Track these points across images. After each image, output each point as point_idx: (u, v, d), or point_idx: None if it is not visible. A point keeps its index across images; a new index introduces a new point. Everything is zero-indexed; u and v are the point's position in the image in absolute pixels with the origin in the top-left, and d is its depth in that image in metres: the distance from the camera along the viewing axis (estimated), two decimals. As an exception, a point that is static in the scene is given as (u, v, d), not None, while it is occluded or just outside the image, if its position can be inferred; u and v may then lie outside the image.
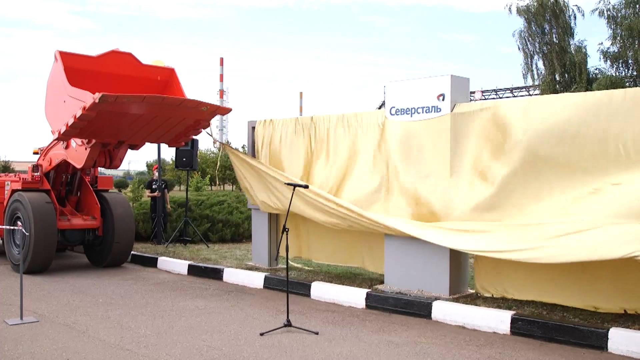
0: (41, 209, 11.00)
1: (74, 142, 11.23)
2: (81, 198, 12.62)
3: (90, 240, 12.15)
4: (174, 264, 11.66)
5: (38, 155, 12.53)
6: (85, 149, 10.79)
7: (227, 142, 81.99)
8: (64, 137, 10.49)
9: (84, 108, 9.22)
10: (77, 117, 9.41)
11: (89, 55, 10.79)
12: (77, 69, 10.40)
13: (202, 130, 11.00)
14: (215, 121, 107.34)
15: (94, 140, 10.59)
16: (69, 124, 9.68)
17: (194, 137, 12.36)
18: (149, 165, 62.46)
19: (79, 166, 11.20)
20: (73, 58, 10.52)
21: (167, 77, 11.47)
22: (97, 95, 8.89)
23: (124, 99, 9.22)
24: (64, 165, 11.93)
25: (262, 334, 6.85)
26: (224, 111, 11.04)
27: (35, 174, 11.75)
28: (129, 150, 11.43)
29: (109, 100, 9.01)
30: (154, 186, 15.19)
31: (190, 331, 7.04)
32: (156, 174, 15.46)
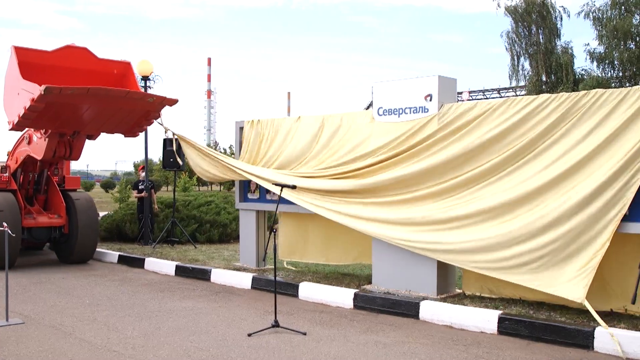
0: (8, 208, 11.57)
1: (35, 137, 11.94)
2: (48, 197, 13.12)
3: (57, 237, 12.75)
4: (161, 265, 11.62)
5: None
6: (44, 140, 11.47)
7: (215, 142, 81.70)
8: (18, 128, 11.14)
9: (33, 99, 9.77)
10: (26, 108, 10.00)
11: (45, 50, 11.32)
12: (34, 63, 11.02)
13: (154, 120, 11.75)
14: (202, 122, 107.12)
15: (50, 131, 11.28)
16: (20, 115, 10.30)
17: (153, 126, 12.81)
18: (136, 166, 62.20)
19: (39, 157, 11.81)
20: (29, 53, 11.09)
21: (123, 71, 12.09)
22: (43, 87, 9.44)
23: (69, 90, 9.79)
24: (31, 163, 12.52)
25: (250, 335, 6.84)
26: (171, 102, 11.32)
27: (4, 174, 12.32)
28: (126, 150, 12.44)
29: (53, 92, 9.55)
30: (140, 186, 15.11)
31: (178, 332, 7.01)
32: (142, 174, 15.39)
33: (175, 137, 11.87)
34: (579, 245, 7.03)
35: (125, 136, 12.29)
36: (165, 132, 12.02)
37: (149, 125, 12.20)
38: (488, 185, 7.93)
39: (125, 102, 10.73)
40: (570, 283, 6.99)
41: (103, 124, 11.46)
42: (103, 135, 12.14)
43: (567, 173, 7.23)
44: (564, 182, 7.25)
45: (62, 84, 10.05)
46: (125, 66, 12.11)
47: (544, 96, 7.60)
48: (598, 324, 6.47)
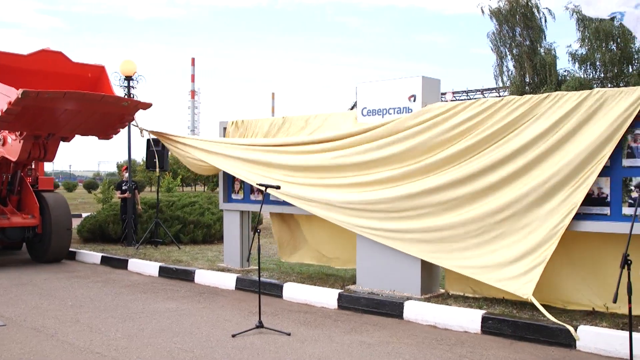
0: None
1: (10, 138, 12.17)
2: (22, 198, 13.34)
3: (30, 237, 12.95)
4: (145, 266, 11.56)
5: None
6: (19, 142, 11.72)
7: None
8: None
9: (10, 103, 9.98)
10: (3, 111, 10.18)
11: (20, 54, 11.53)
12: (9, 66, 11.23)
13: (128, 123, 12.21)
14: (186, 122, 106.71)
15: (25, 133, 11.55)
16: None
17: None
18: (119, 166, 61.82)
19: (14, 159, 12.07)
20: (4, 56, 11.31)
21: (97, 75, 12.36)
22: (20, 90, 9.67)
23: (46, 94, 10.07)
24: (5, 164, 12.73)
25: (234, 336, 6.82)
26: (145, 106, 11.63)
27: None
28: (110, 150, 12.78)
29: (30, 96, 9.78)
30: (124, 187, 15.03)
31: (162, 333, 6.98)
32: (126, 174, 15.30)
33: (154, 137, 12.00)
34: (529, 243, 7.27)
35: (99, 138, 12.65)
36: (141, 133, 12.10)
37: (123, 128, 12.50)
38: (445, 176, 8.05)
39: (100, 106, 11.07)
40: (519, 279, 7.24)
41: (78, 126, 11.77)
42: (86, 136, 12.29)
43: (522, 171, 7.43)
44: (519, 180, 7.46)
45: (37, 87, 10.30)
46: (100, 70, 12.39)
47: (509, 97, 7.74)
48: (580, 323, 6.54)
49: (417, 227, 8.24)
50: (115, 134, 12.58)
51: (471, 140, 7.83)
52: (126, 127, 12.65)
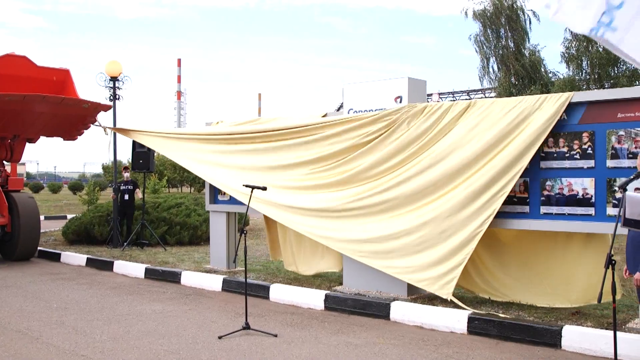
0: None
1: None
2: None
3: (0, 236, 13.21)
4: (131, 268, 11.50)
5: None
6: None
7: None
8: None
9: None
10: None
11: None
12: None
13: (91, 125, 12.66)
14: (172, 123, 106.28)
15: None
16: None
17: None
18: (104, 167, 61.43)
19: None
20: None
21: (62, 78, 12.85)
22: None
23: (6, 97, 10.53)
24: None
25: (220, 337, 6.80)
26: (105, 108, 12.19)
27: None
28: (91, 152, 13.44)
29: None
30: (122, 187, 14.93)
31: (147, 335, 6.94)
32: (126, 174, 15.19)
33: (113, 132, 12.40)
34: (449, 246, 7.64)
35: (64, 139, 13.28)
36: (105, 131, 12.25)
37: (87, 129, 13.04)
38: (389, 181, 8.33)
39: (61, 108, 11.62)
40: (439, 280, 7.66)
41: (42, 128, 12.31)
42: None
43: (443, 178, 7.80)
44: (441, 186, 7.84)
45: (2, 91, 10.77)
46: (65, 73, 12.83)
47: (448, 103, 8.03)
48: (566, 323, 6.59)
49: (350, 228, 8.55)
50: (80, 135, 13.19)
51: (397, 147, 8.24)
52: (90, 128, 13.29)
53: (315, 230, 8.90)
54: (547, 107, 7.19)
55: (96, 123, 12.47)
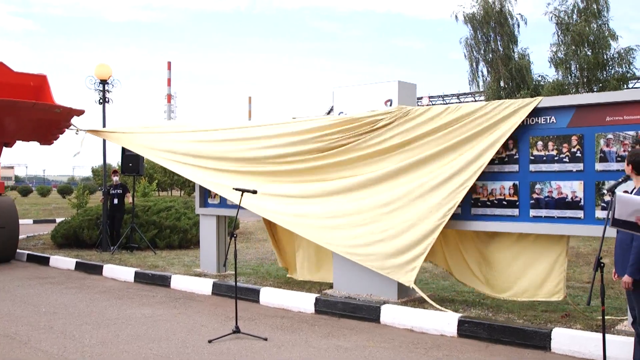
0: None
1: None
2: None
3: None
4: (120, 271, 11.45)
5: None
6: None
7: None
8: None
9: None
10: None
11: None
12: None
13: (66, 129, 12.86)
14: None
15: None
16: None
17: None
18: (94, 171, 61.18)
19: None
20: None
21: (39, 83, 13.04)
22: None
23: None
24: None
25: (210, 341, 6.78)
26: (78, 112, 12.36)
27: None
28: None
29: None
30: (112, 191, 14.88)
31: (137, 340, 6.91)
32: (115, 178, 15.13)
33: (86, 133, 12.22)
34: (411, 236, 7.91)
35: (40, 144, 13.56)
36: (77, 132, 12.28)
37: (62, 133, 13.26)
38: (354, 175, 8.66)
39: (34, 113, 11.85)
40: (402, 268, 7.95)
41: (17, 132, 12.60)
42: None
43: (407, 169, 8.15)
44: (404, 177, 8.17)
45: None
46: (42, 79, 13.03)
47: (424, 108, 8.23)
48: (555, 326, 6.62)
49: (317, 213, 8.77)
50: (55, 139, 13.46)
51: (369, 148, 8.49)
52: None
53: (287, 217, 9.14)
54: (513, 112, 7.45)
55: (71, 127, 12.61)
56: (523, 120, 7.43)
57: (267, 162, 9.45)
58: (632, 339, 5.38)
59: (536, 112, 7.40)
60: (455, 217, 7.94)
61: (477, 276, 8.09)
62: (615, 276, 5.23)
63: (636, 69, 29.43)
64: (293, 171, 9.20)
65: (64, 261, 12.95)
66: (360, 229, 8.39)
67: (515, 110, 7.40)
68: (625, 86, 29.94)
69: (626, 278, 4.99)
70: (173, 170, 10.84)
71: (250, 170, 9.62)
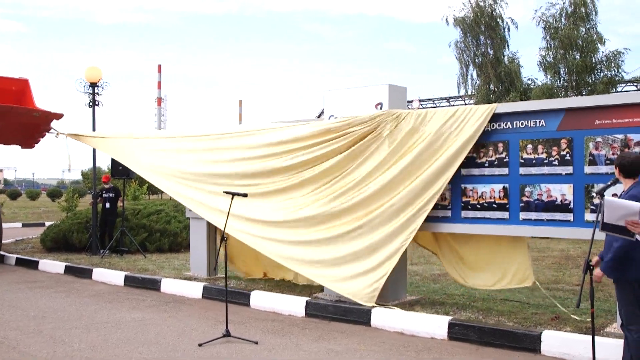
0: None
1: None
2: None
3: None
4: (110, 275, 11.39)
5: None
6: None
7: None
8: None
9: None
10: None
11: None
12: None
13: (46, 133, 12.99)
14: (153, 129, 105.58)
15: None
16: None
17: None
18: (84, 174, 60.90)
19: None
20: None
21: (22, 88, 13.04)
22: None
23: None
24: None
25: (200, 345, 6.76)
26: (57, 116, 12.38)
27: None
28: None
29: None
30: (103, 195, 14.81)
31: (127, 344, 6.88)
32: (105, 186, 15.06)
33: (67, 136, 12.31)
34: (374, 261, 8.04)
35: (22, 147, 13.71)
36: (56, 135, 12.33)
37: (42, 137, 13.41)
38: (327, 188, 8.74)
39: (14, 117, 11.89)
40: (363, 291, 8.00)
41: None
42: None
43: (369, 196, 8.23)
44: (367, 203, 8.25)
45: None
46: (24, 83, 13.04)
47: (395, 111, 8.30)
48: (545, 328, 6.64)
49: (286, 239, 8.86)
50: (36, 143, 13.61)
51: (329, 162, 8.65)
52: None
53: (248, 235, 9.24)
54: (473, 120, 7.63)
55: (51, 131, 12.71)
56: (513, 124, 7.47)
57: (235, 178, 9.57)
58: (621, 341, 5.41)
59: (526, 115, 7.45)
60: (445, 220, 7.99)
61: (454, 267, 8.32)
62: (598, 273, 5.17)
63: (624, 72, 29.60)
64: (261, 194, 9.27)
65: (53, 265, 12.87)
66: (326, 253, 8.48)
67: (479, 117, 7.63)
68: (614, 89, 30.09)
69: (597, 272, 5.03)
70: (149, 180, 10.95)
71: (218, 184, 9.68)
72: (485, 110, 7.62)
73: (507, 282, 7.80)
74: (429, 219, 8.13)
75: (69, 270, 12.40)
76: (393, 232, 8.00)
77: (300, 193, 8.93)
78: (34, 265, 13.25)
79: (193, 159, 10.16)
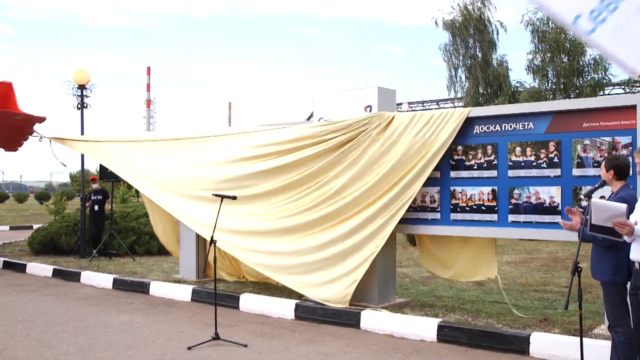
0: None
1: None
2: None
3: None
4: (98, 278, 11.33)
5: None
6: None
7: None
8: None
9: None
10: None
11: None
12: None
13: (29, 136, 12.96)
14: (137, 132, 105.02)
15: None
16: None
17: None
18: (72, 177, 60.62)
19: None
20: None
21: (5, 91, 12.94)
22: None
23: None
24: None
25: (189, 348, 6.73)
26: (39, 120, 12.38)
27: None
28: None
29: None
30: (92, 197, 14.73)
31: (115, 347, 6.84)
32: (94, 185, 14.99)
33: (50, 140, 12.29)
34: (345, 267, 8.17)
35: (5, 150, 13.81)
36: (40, 139, 12.29)
37: (25, 140, 13.40)
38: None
39: None
40: (335, 297, 8.12)
41: None
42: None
43: (341, 205, 8.33)
44: (340, 211, 8.36)
45: None
46: (7, 86, 12.97)
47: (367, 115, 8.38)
48: (534, 330, 6.66)
49: (262, 249, 8.91)
50: (20, 146, 13.66)
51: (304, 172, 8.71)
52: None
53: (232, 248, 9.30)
54: (448, 126, 7.74)
55: (34, 134, 12.70)
56: (502, 126, 7.52)
57: (210, 183, 9.56)
58: (609, 343, 5.43)
59: (514, 118, 7.49)
60: (434, 222, 8.01)
61: (427, 260, 8.65)
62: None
63: (611, 75, 29.85)
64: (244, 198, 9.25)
65: (41, 268, 12.79)
66: (298, 259, 8.56)
67: (454, 122, 7.72)
68: (601, 92, 30.32)
69: (563, 223, 5.43)
70: (134, 186, 11.00)
71: (199, 195, 9.70)
72: (458, 117, 7.71)
73: (472, 275, 8.18)
74: (418, 222, 8.17)
75: (57, 273, 12.32)
76: (365, 239, 8.10)
77: (278, 199, 8.98)
78: (21, 268, 13.16)
79: (176, 163, 10.16)
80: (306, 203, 8.65)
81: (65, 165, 12.90)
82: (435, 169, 7.98)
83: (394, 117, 8.10)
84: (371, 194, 8.10)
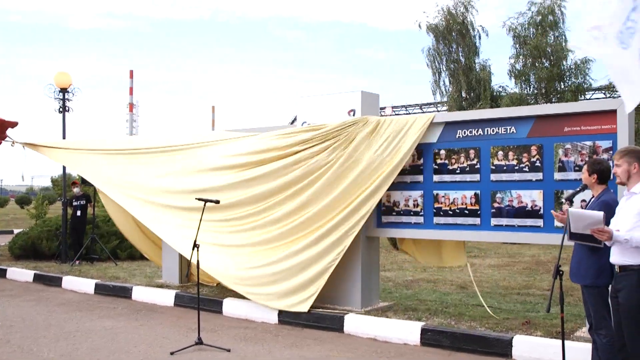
0: None
1: None
2: None
3: None
4: (80, 283, 11.23)
5: None
6: None
7: None
8: None
9: None
10: None
11: None
12: None
13: (2, 141, 12.70)
14: (125, 136, 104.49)
15: None
16: None
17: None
18: (53, 181, 60.08)
19: None
20: None
21: None
22: None
23: None
24: None
25: (172, 353, 6.69)
26: (11, 124, 12.27)
27: None
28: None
29: None
30: (74, 203, 14.62)
31: (97, 353, 6.78)
32: (75, 189, 14.88)
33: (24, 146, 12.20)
34: (302, 278, 8.22)
35: None
36: (12, 144, 12.19)
37: None
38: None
39: None
40: (295, 307, 8.13)
41: None
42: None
43: (301, 218, 8.44)
44: (297, 224, 8.46)
45: None
46: None
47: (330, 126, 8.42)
48: (516, 333, 6.70)
49: (223, 258, 8.91)
50: None
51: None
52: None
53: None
54: (412, 132, 7.85)
55: (6, 139, 12.55)
56: (485, 130, 7.58)
57: (177, 193, 9.62)
58: (590, 345, 5.48)
59: (497, 122, 7.54)
60: (417, 226, 8.04)
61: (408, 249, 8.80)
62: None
63: (592, 79, 30.10)
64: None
65: (21, 273, 12.66)
66: (257, 272, 8.57)
67: (419, 127, 7.84)
68: (583, 97, 30.58)
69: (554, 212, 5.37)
70: (108, 195, 10.85)
71: (165, 203, 9.74)
72: (423, 123, 7.84)
73: (444, 262, 8.68)
74: (401, 225, 8.19)
75: (38, 278, 12.20)
76: (322, 252, 8.16)
77: (244, 210, 8.98)
78: (1, 273, 13.02)
79: (149, 173, 10.14)
80: (275, 213, 8.71)
81: (23, 179, 12.94)
82: (418, 173, 8.03)
83: (357, 134, 8.13)
84: (334, 208, 8.18)
